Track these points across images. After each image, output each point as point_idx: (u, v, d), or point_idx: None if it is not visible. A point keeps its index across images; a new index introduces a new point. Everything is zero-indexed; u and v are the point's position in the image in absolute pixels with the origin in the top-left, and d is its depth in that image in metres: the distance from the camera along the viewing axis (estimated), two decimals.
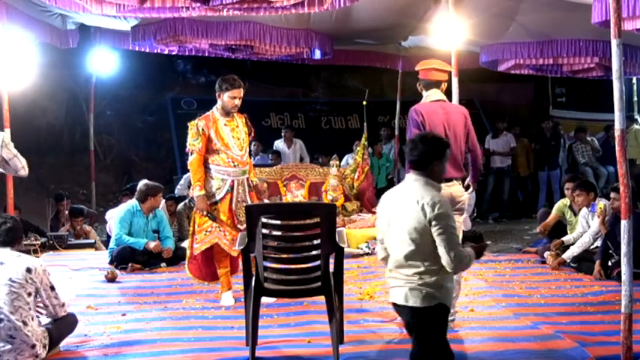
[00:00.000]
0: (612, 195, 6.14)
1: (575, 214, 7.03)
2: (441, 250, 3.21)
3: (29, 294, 3.83)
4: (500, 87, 13.25)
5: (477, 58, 8.49)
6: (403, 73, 10.42)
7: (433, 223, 3.21)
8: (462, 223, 4.62)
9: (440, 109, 4.64)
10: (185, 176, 9.34)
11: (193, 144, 5.17)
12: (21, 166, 5.26)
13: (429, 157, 3.35)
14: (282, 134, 11.06)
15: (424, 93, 4.77)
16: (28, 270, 3.83)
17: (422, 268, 3.26)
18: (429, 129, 4.44)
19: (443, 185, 4.29)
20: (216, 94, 5.28)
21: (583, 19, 5.87)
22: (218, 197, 5.21)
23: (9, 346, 3.72)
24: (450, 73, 5.15)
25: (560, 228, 7.15)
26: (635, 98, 11.16)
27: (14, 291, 3.76)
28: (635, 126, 10.74)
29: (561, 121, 12.99)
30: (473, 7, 6.75)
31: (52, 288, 4.00)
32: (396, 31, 8.49)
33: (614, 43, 3.75)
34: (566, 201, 7.17)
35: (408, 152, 3.45)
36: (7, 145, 5.22)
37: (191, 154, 5.21)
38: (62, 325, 4.13)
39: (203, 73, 13.38)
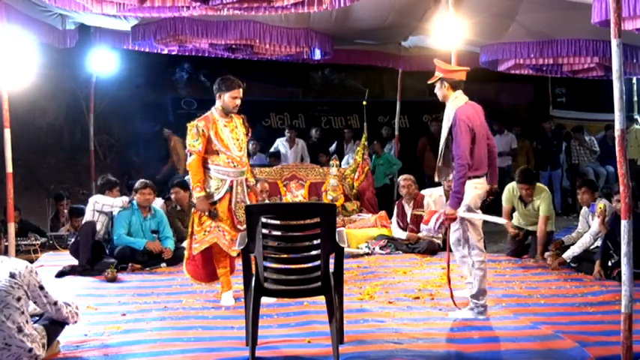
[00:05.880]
0: (616, 197, 6.15)
1: (526, 205, 7.13)
2: None
3: (18, 299, 3.72)
4: (500, 87, 13.23)
5: (476, 58, 8.48)
6: (403, 73, 10.42)
7: None
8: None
9: (472, 109, 4.76)
10: (187, 177, 9.30)
11: (193, 145, 5.17)
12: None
13: None
14: (286, 134, 11.03)
15: (452, 93, 4.80)
16: (12, 275, 3.71)
17: None
18: (475, 131, 4.62)
19: (476, 181, 4.60)
20: (216, 95, 5.29)
21: (583, 19, 5.86)
22: (217, 197, 5.22)
23: (6, 353, 3.69)
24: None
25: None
26: (635, 98, 11.17)
27: (1, 299, 3.65)
28: (635, 126, 10.75)
29: (561, 121, 13.00)
30: (473, 7, 6.75)
31: (42, 287, 3.88)
32: (396, 31, 8.48)
33: (614, 43, 3.75)
34: (515, 192, 7.20)
35: None
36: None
37: (190, 155, 5.21)
38: (58, 320, 4.07)
39: (203, 73, 13.35)
